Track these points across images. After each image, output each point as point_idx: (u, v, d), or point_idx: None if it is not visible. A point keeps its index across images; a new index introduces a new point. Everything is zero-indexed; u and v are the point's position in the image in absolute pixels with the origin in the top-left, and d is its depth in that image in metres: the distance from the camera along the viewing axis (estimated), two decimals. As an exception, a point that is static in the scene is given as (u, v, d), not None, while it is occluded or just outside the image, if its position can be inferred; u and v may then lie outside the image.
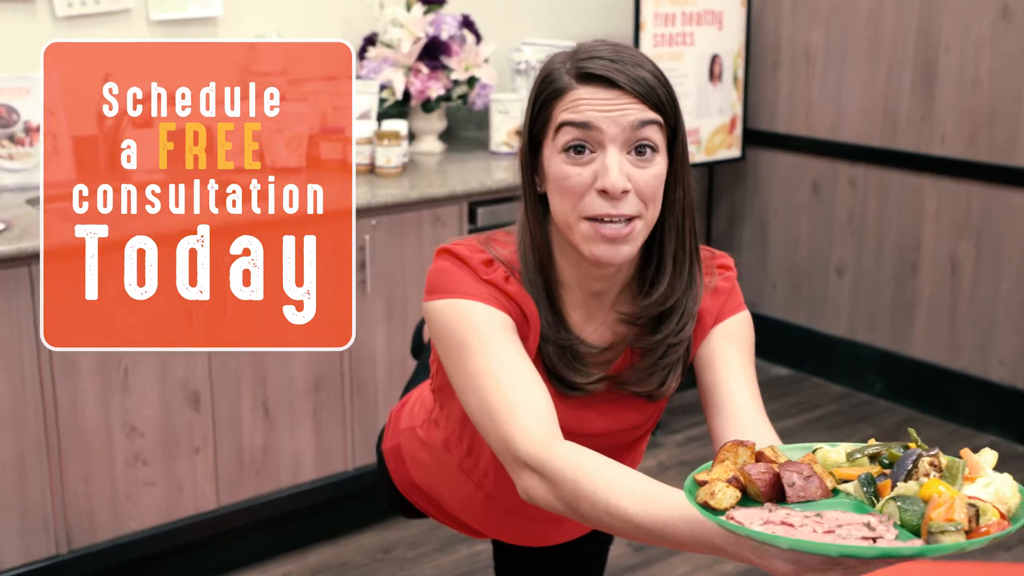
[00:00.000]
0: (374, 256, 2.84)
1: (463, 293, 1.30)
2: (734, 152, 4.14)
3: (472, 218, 3.01)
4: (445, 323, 1.30)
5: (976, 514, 0.93)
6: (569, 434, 1.32)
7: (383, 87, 3.29)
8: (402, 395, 1.86)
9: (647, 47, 3.74)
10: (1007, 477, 0.99)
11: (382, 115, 3.31)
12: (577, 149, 1.25)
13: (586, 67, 1.25)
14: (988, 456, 1.02)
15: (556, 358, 1.32)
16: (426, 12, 3.30)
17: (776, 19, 4.13)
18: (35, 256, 2.37)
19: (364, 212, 2.81)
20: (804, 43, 4.06)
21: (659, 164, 1.27)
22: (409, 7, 3.35)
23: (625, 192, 1.24)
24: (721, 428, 1.32)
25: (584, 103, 1.24)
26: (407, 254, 2.91)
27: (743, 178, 4.35)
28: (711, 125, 4.02)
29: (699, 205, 4.48)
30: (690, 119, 3.94)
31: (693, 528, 1.04)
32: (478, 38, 3.40)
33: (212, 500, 2.75)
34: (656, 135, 1.25)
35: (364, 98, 3.22)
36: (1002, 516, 0.94)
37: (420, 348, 2.25)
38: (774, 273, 4.32)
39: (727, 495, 1.00)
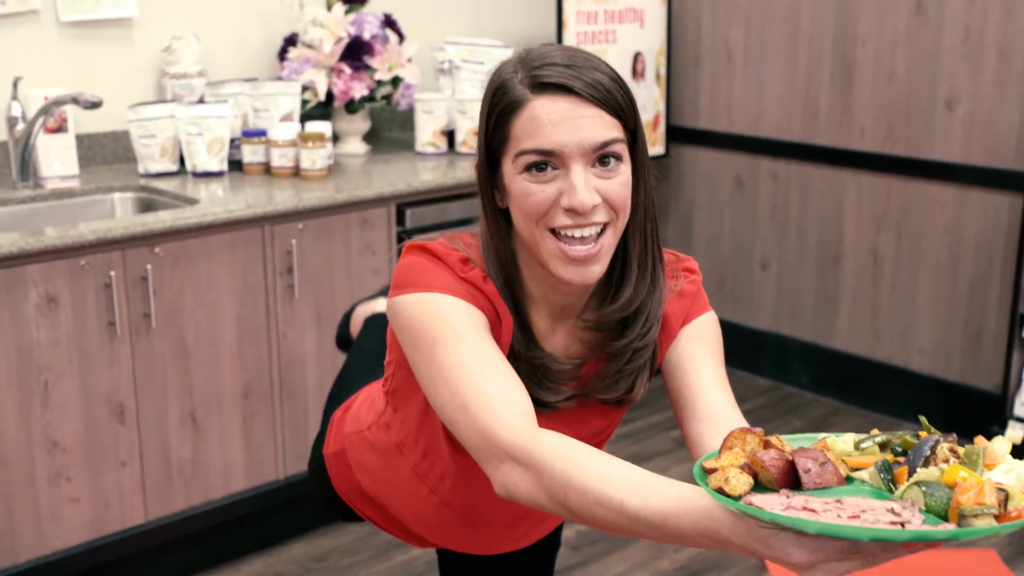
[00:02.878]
0: (301, 260, 2.81)
1: (437, 287, 1.25)
2: (658, 149, 4.18)
3: (400, 220, 3.00)
4: (415, 317, 1.24)
5: (1005, 498, 0.92)
6: None
7: (305, 88, 3.26)
8: (332, 392, 1.82)
9: (570, 44, 3.76)
10: (1006, 446, 1.00)
11: (305, 117, 3.28)
12: (539, 167, 1.21)
13: (540, 75, 1.21)
14: (1001, 444, 1.02)
15: (526, 376, 1.28)
16: (347, 12, 3.27)
17: (696, 16, 4.18)
18: None
19: (290, 216, 2.78)
20: (724, 39, 4.12)
21: (624, 172, 1.24)
22: (330, 7, 3.32)
23: (595, 207, 1.21)
24: (696, 430, 1.28)
25: (543, 120, 1.20)
26: (335, 257, 2.89)
27: (667, 174, 4.40)
28: None
29: None
30: None
31: (696, 520, 1.00)
32: (401, 37, 3.38)
33: (140, 514, 2.70)
34: (619, 146, 1.22)
35: (286, 100, 3.18)
36: None
37: (346, 339, 2.21)
38: (703, 267, 4.36)
39: (741, 481, 0.98)
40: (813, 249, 4.00)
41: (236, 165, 3.14)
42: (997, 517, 0.91)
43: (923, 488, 0.94)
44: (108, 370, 2.57)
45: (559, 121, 1.19)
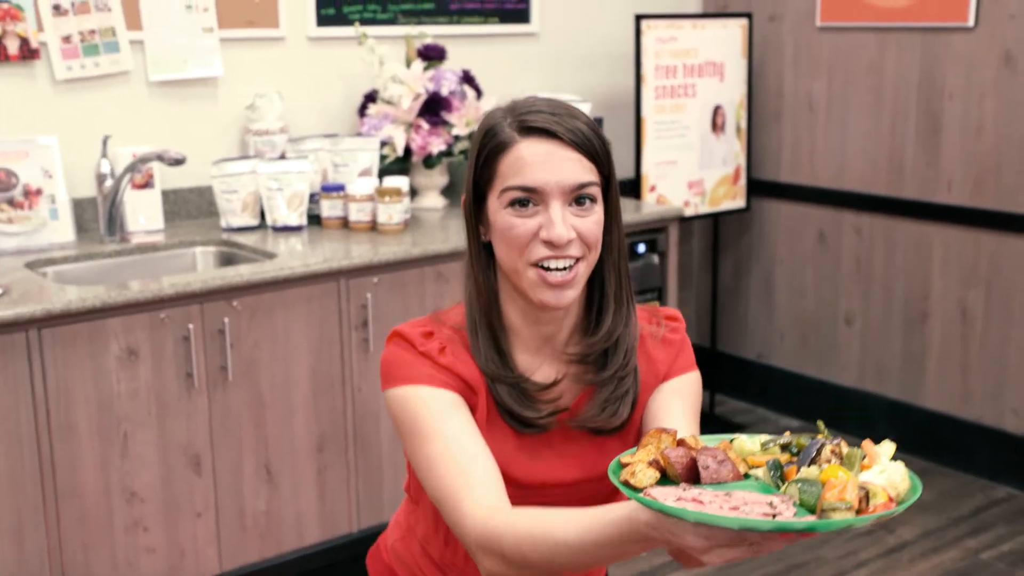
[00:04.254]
0: (376, 313, 2.84)
1: (408, 379, 1.37)
2: (739, 203, 4.14)
3: (475, 274, 3.01)
4: (397, 411, 1.37)
5: (866, 496, 1.02)
6: (543, 485, 1.41)
7: (384, 144, 3.31)
8: None
9: (648, 100, 3.77)
10: (900, 465, 1.08)
11: (383, 172, 3.33)
12: (522, 203, 1.33)
13: (527, 120, 1.33)
14: (887, 447, 1.12)
15: (505, 395, 1.38)
16: (426, 68, 3.32)
17: (778, 69, 4.16)
18: (33, 321, 2.38)
19: (366, 270, 2.81)
20: (807, 92, 4.08)
21: (597, 212, 1.36)
22: (409, 63, 3.37)
23: (570, 241, 1.33)
24: None
25: (527, 160, 1.32)
26: (410, 311, 2.91)
27: (748, 228, 4.35)
28: (715, 176, 4.03)
29: (705, 256, 4.49)
30: (693, 170, 3.96)
31: (621, 527, 1.11)
32: (479, 93, 3.42)
33: (215, 565, 2.72)
34: (594, 189, 1.34)
35: (365, 155, 3.24)
36: (890, 499, 1.03)
37: None
38: (781, 323, 4.31)
39: (647, 475, 1.10)
40: (899, 305, 3.91)
41: (315, 219, 3.19)
42: (858, 512, 1.00)
43: (799, 485, 1.04)
44: (185, 421, 2.61)
45: (542, 162, 1.32)
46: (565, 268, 1.34)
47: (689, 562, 1.11)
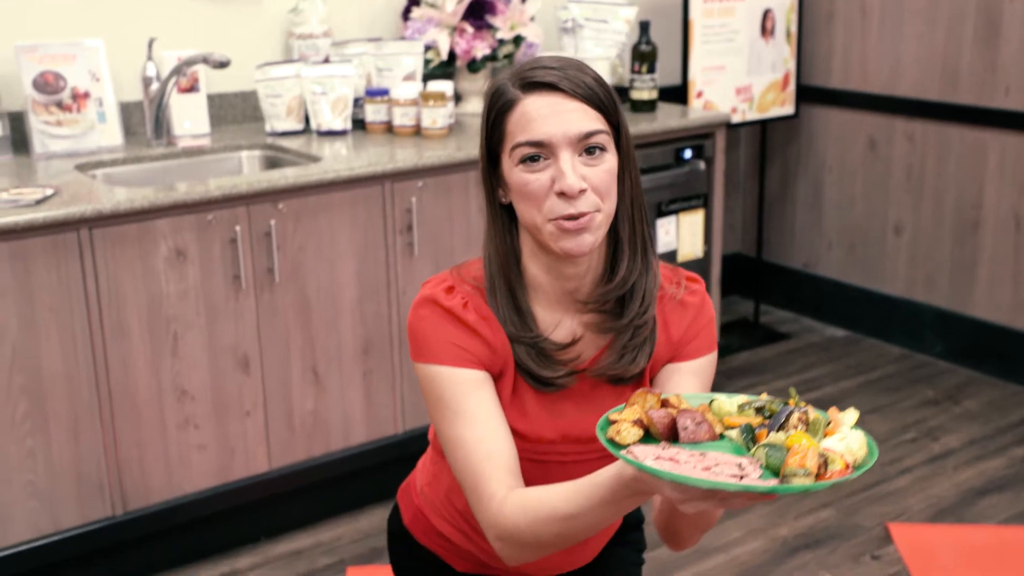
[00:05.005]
0: (421, 217, 2.85)
1: (434, 357, 1.41)
2: (787, 109, 4.08)
3: (519, 179, 3.00)
4: (424, 386, 1.44)
5: (825, 462, 1.11)
6: (565, 439, 1.45)
7: (428, 48, 3.29)
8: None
9: (696, 3, 3.70)
10: (859, 433, 1.17)
11: (427, 76, 3.31)
12: (533, 158, 1.35)
13: (530, 77, 1.36)
14: (850, 415, 1.20)
15: (524, 355, 1.42)
16: (471, -30, 3.28)
17: None
18: (84, 221, 2.42)
19: (410, 174, 2.81)
20: None
21: (609, 160, 1.37)
22: None
23: (582, 191, 1.34)
24: None
25: (533, 115, 1.35)
26: (454, 215, 2.91)
27: (796, 136, 4.29)
28: (763, 82, 3.96)
29: (752, 164, 4.44)
30: (741, 76, 3.89)
31: (612, 486, 1.21)
32: (524, -5, 3.37)
33: (264, 463, 2.79)
34: (602, 137, 1.36)
35: (409, 59, 3.21)
36: (847, 465, 1.12)
37: None
38: (829, 232, 4.27)
39: (631, 433, 1.19)
40: (950, 214, 3.85)
41: (359, 124, 3.19)
42: (817, 477, 1.10)
43: (767, 449, 1.14)
44: (233, 323, 2.65)
45: (547, 115, 1.34)
46: (580, 217, 1.36)
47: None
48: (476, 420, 1.38)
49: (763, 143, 4.23)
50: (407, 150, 2.91)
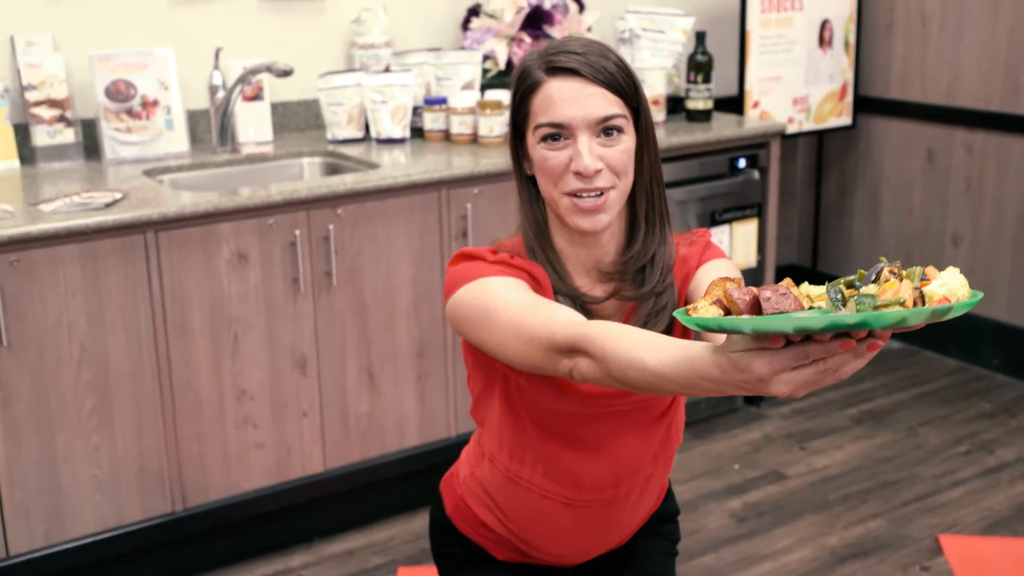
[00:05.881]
0: (476, 223, 2.89)
1: (477, 276, 1.44)
2: (844, 120, 4.07)
3: (574, 187, 3.03)
4: (468, 302, 1.43)
5: (921, 297, 1.00)
6: (602, 394, 1.47)
7: (486, 57, 3.33)
8: None
9: (754, 13, 3.71)
10: (960, 277, 1.04)
11: (485, 85, 3.35)
12: (553, 137, 1.43)
13: (554, 61, 1.43)
14: (954, 272, 1.06)
15: (567, 306, 1.44)
16: (529, -19, 3.32)
17: None
18: (150, 224, 2.48)
19: (467, 181, 2.85)
20: (919, 4, 3.96)
21: (625, 141, 1.44)
22: None
23: (597, 171, 1.42)
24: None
25: (555, 98, 1.42)
26: (509, 221, 2.90)
27: (854, 146, 4.27)
28: (821, 92, 3.96)
29: (809, 174, 4.42)
30: (799, 86, 3.89)
31: (695, 363, 1.13)
32: (581, 6, 3.41)
33: (320, 463, 2.83)
34: (620, 120, 1.43)
35: (467, 68, 3.26)
36: (945, 298, 1.00)
37: None
38: (886, 242, 4.24)
39: (709, 312, 1.08)
40: (1010, 225, 3.81)
41: (418, 132, 3.24)
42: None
43: (858, 299, 1.00)
44: (292, 324, 2.71)
45: (568, 99, 1.42)
46: (595, 196, 1.43)
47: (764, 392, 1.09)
48: (528, 297, 1.40)
49: (820, 153, 4.22)
50: (464, 157, 2.96)
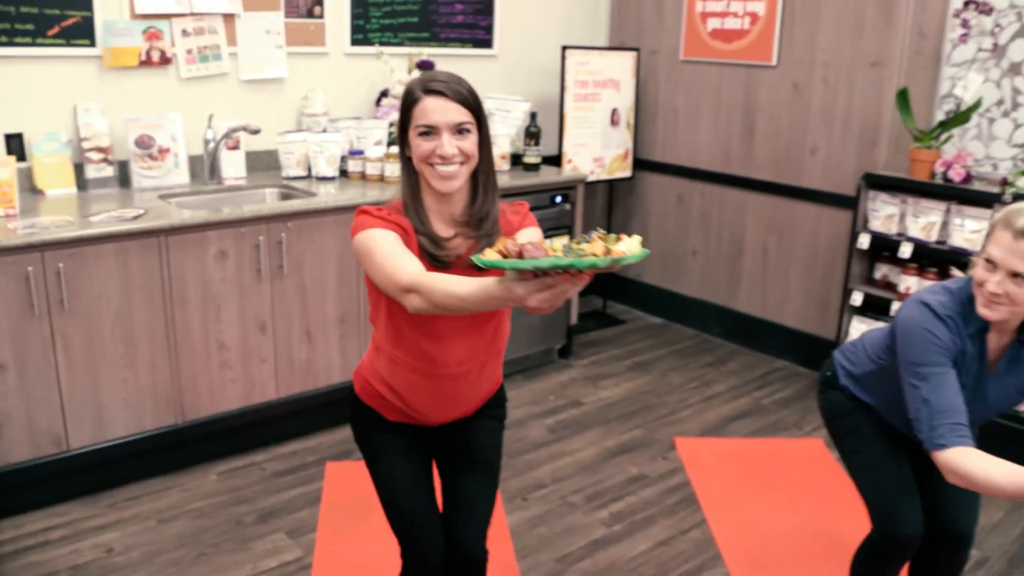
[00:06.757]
0: (382, 236, 2.94)
1: (368, 227, 1.48)
2: (627, 173, 4.12)
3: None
4: (360, 244, 1.46)
5: (607, 252, 1.09)
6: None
7: (391, 124, 3.33)
8: None
9: (569, 102, 3.75)
10: (636, 242, 1.13)
11: (391, 142, 3.33)
12: (427, 133, 1.47)
13: (429, 85, 1.47)
14: (634, 238, 1.14)
15: (425, 242, 1.50)
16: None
17: (655, 86, 4.13)
18: (162, 231, 2.47)
19: (375, 205, 2.88)
20: (672, 102, 4.06)
21: (472, 138, 1.48)
22: (410, 71, 3.42)
23: (454, 155, 1.46)
24: None
25: (428, 109, 1.46)
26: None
27: (633, 191, 4.31)
28: (611, 155, 4.00)
29: (603, 208, 4.34)
30: (597, 150, 3.92)
31: (488, 290, 1.21)
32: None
33: (274, 393, 2.80)
34: (469, 124, 1.47)
35: (379, 131, 3.28)
36: (623, 253, 1.08)
37: None
38: (653, 254, 4.28)
39: (494, 257, 1.15)
40: (726, 244, 3.93)
41: (344, 173, 3.21)
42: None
43: (569, 249, 1.11)
44: (256, 300, 2.70)
45: (437, 110, 1.46)
46: (452, 167, 1.46)
47: (533, 309, 1.16)
48: (393, 249, 1.42)
49: (611, 195, 4.23)
50: (374, 190, 2.96)
